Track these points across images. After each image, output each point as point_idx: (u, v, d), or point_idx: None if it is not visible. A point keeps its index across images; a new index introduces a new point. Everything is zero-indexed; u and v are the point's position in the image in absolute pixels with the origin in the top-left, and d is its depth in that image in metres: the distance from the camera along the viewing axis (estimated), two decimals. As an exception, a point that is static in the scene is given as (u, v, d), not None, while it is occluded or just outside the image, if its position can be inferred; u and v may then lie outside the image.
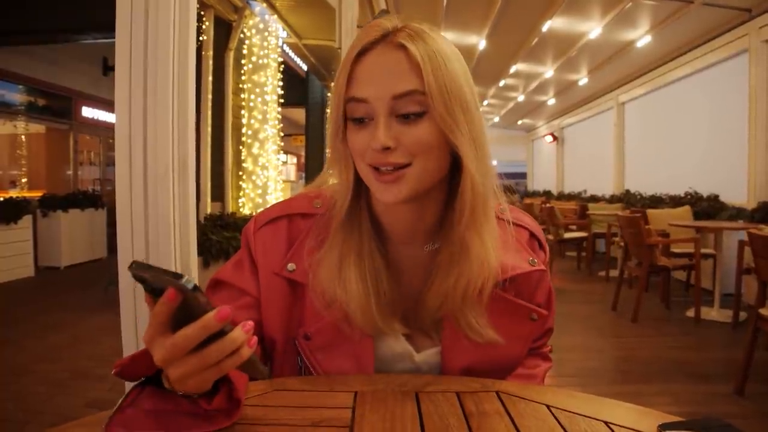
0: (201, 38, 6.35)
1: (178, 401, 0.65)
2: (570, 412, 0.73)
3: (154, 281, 0.55)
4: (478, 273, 0.81)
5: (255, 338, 0.61)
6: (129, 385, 0.68)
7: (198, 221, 2.94)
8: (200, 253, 4.39)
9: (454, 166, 0.82)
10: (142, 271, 0.54)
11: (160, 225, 1.43)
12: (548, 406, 0.75)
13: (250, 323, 0.60)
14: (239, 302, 0.87)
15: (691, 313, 4.69)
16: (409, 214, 0.85)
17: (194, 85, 1.57)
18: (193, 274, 1.39)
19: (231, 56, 7.11)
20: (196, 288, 0.53)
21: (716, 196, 6.49)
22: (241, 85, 7.19)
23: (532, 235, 0.97)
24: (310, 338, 0.85)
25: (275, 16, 7.31)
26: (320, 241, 0.86)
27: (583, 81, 9.92)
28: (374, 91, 0.75)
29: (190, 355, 0.57)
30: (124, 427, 0.61)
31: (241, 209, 7.16)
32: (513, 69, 9.62)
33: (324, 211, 0.88)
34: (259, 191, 7.27)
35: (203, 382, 0.61)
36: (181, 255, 1.48)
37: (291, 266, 0.85)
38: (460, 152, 0.77)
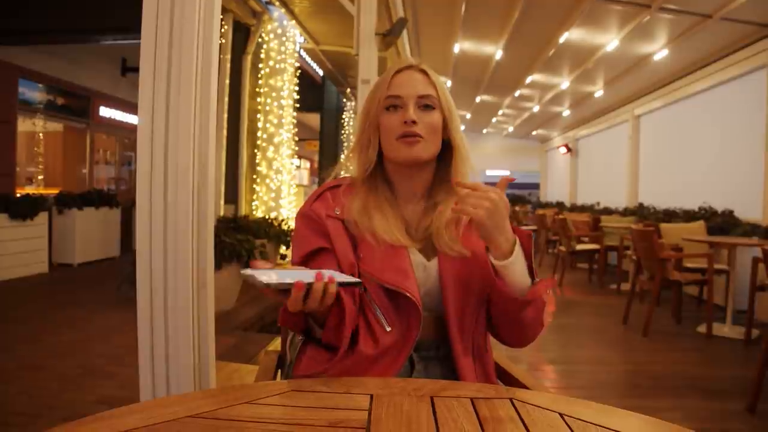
0: (220, 41, 6.41)
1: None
2: (583, 421, 0.73)
3: (279, 285, 0.89)
4: None
5: (333, 281, 0.94)
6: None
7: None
8: (213, 254, 4.39)
9: (443, 150, 1.22)
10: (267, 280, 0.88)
11: (179, 224, 1.45)
12: (561, 414, 0.75)
13: (327, 276, 0.94)
14: (330, 257, 1.18)
15: (702, 328, 4.65)
16: (411, 177, 1.23)
17: (216, 86, 1.59)
18: (209, 273, 1.41)
19: (248, 60, 7.18)
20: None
21: (731, 212, 6.43)
22: (257, 89, 7.26)
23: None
24: (361, 257, 1.14)
25: (294, 22, 7.37)
26: (349, 198, 1.21)
27: (599, 93, 9.90)
28: (406, 91, 1.19)
29: (305, 301, 0.93)
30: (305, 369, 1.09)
31: (254, 212, 7.19)
32: (529, 79, 9.62)
33: (348, 183, 1.25)
34: (273, 195, 7.31)
35: (323, 307, 0.96)
36: (198, 254, 1.49)
37: (337, 210, 1.19)
38: (454, 133, 1.22)
